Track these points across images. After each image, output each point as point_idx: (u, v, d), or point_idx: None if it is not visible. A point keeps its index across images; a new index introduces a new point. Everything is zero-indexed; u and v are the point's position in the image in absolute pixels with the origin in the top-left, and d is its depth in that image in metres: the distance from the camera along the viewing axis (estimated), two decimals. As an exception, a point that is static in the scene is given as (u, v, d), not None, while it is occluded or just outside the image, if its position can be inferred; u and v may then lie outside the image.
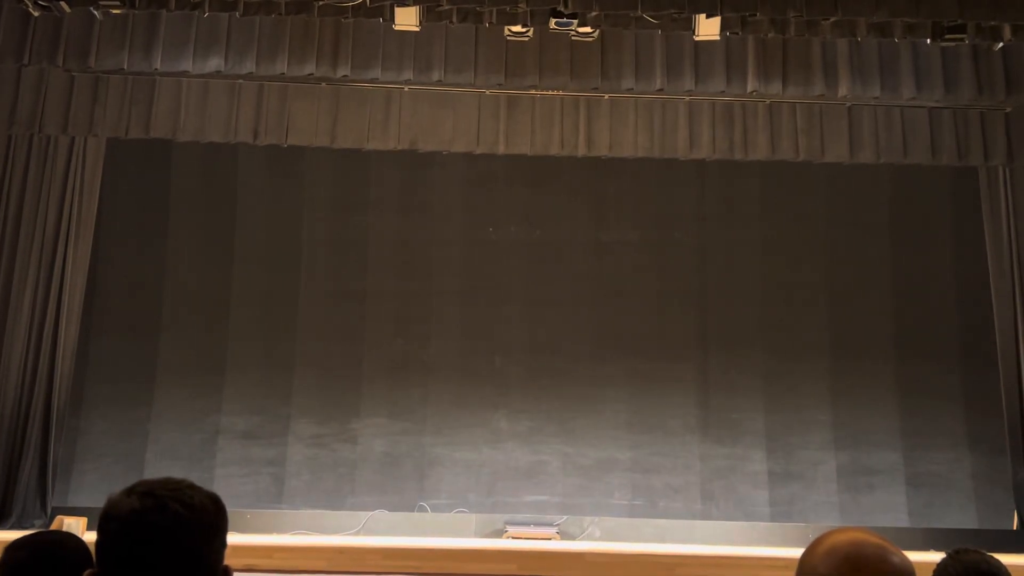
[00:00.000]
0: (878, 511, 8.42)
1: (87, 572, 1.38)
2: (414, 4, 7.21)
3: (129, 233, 9.01)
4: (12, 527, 7.38)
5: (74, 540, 2.26)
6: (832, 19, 7.27)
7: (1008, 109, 8.58)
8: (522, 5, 7.04)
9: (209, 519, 1.41)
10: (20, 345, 8.09)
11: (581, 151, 8.61)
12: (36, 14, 7.29)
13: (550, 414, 8.58)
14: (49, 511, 7.65)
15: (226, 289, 9.08)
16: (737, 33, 7.61)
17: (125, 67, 7.97)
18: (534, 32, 7.70)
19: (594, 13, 7.14)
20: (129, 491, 1.40)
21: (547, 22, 7.33)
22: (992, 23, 7.34)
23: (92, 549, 1.55)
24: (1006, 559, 2.50)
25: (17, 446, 7.85)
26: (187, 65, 7.90)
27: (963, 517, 8.41)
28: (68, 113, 8.30)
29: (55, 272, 8.29)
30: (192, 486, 1.43)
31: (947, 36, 7.44)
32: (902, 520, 8.40)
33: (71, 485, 8.17)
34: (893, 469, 8.69)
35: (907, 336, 9.05)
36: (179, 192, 9.16)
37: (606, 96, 8.54)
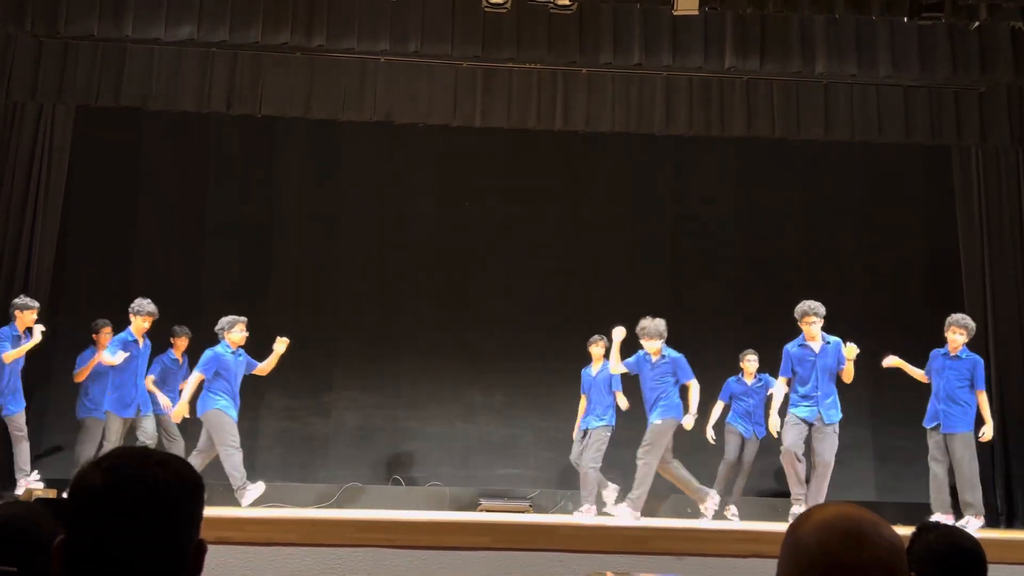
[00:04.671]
0: (847, 485, 8.53)
1: (58, 538, 1.38)
2: (390, -27, 7.16)
3: (99, 204, 8.92)
4: (-20, 499, 7.32)
5: (32, 514, 2.24)
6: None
7: (982, 89, 8.66)
8: (500, -24, 7.02)
9: (174, 498, 1.39)
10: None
11: (558, 125, 8.61)
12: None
13: (524, 388, 8.63)
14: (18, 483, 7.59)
15: (198, 261, 9.03)
16: (716, 8, 7.63)
17: (95, 33, 7.82)
18: (512, 4, 7.61)
19: (572, -15, 7.13)
20: (97, 463, 1.39)
21: (525, -8, 7.33)
22: (969, 2, 7.38)
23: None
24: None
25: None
26: (158, 32, 7.76)
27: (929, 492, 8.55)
28: (36, 79, 8.19)
29: (22, 243, 8.22)
30: (163, 461, 1.40)
31: (924, 14, 7.49)
32: (870, 494, 8.55)
33: (41, 459, 8.09)
34: (862, 444, 8.82)
35: (878, 313, 9.16)
36: (150, 162, 9.08)
37: (584, 70, 8.54)
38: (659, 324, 7.37)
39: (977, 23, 7.69)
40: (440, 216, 9.30)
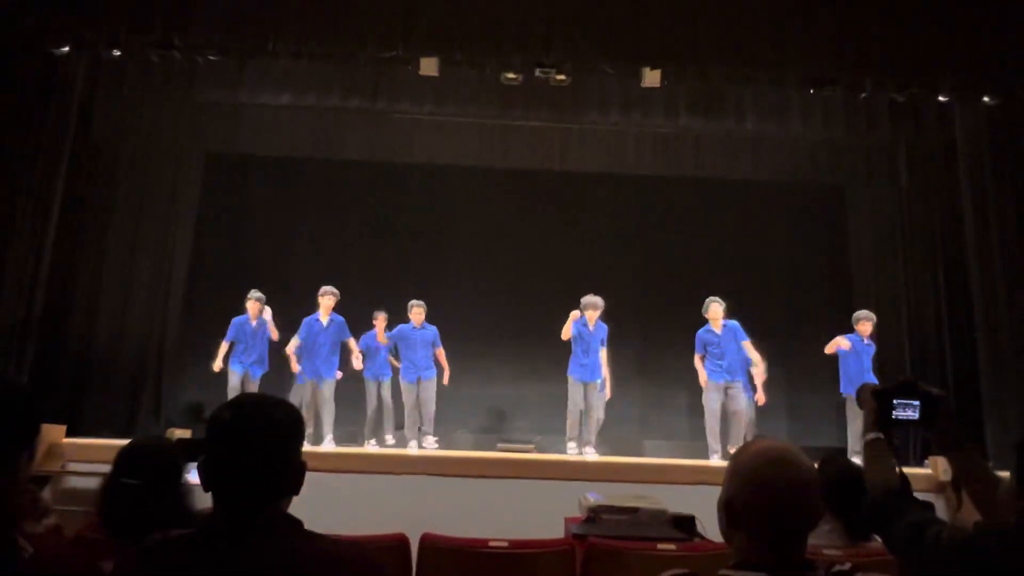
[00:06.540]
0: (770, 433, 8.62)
1: (200, 458, 1.53)
2: (435, 56, 8.34)
3: (220, 229, 9.83)
4: (135, 442, 8.48)
5: (160, 445, 2.44)
6: (742, 72, 8.45)
7: (868, 143, 9.88)
8: (515, 57, 8.26)
9: (285, 430, 1.53)
10: (140, 296, 9.24)
11: (557, 167, 9.85)
12: (155, 59, 8.47)
13: (531, 363, 9.44)
14: (163, 427, 8.59)
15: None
16: (672, 83, 8.57)
17: (219, 101, 9.27)
18: (523, 77, 8.43)
19: (568, 64, 8.31)
20: (228, 404, 1.55)
21: (533, 70, 8.33)
22: (858, 79, 8.56)
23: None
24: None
25: (138, 378, 9.03)
26: (267, 99, 9.16)
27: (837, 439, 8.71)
28: (176, 134, 9.50)
29: (164, 263, 9.43)
30: (278, 403, 1.55)
31: (825, 87, 8.70)
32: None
33: (180, 408, 8.97)
34: (777, 404, 9.02)
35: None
36: (257, 198, 10.05)
37: (576, 127, 9.80)
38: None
39: (864, 94, 8.75)
40: (468, 235, 10.16)
